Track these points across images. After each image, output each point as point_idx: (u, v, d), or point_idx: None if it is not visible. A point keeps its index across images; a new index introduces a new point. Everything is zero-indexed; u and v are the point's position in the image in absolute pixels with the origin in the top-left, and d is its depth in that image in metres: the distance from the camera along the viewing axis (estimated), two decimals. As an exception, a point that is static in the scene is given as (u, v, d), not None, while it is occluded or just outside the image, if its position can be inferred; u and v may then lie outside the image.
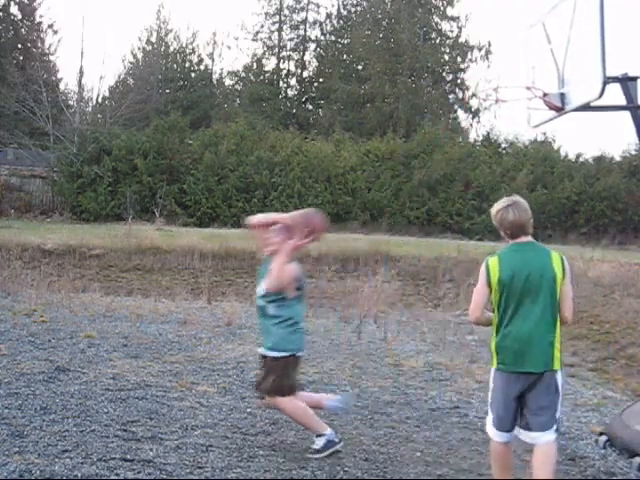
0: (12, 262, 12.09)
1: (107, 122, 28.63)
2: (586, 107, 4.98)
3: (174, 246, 14.52)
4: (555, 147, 28.86)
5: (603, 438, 4.71)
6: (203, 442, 4.44)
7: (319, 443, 4.28)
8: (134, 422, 4.74)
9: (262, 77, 39.07)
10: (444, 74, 37.94)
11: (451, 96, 38.11)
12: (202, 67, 40.63)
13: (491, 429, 3.72)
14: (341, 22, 40.19)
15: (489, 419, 3.74)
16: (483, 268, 3.68)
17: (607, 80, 4.59)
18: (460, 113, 38.35)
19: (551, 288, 3.55)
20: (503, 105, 37.77)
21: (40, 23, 35.04)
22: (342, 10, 40.13)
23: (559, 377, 3.61)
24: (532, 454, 3.65)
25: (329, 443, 4.30)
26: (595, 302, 10.85)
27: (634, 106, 4.87)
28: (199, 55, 40.47)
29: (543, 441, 3.56)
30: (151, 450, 4.23)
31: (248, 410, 5.18)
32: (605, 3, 4.59)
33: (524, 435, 3.64)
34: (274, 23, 39.69)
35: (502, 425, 3.66)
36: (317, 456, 4.24)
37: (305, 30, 39.84)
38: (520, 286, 3.55)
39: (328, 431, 4.32)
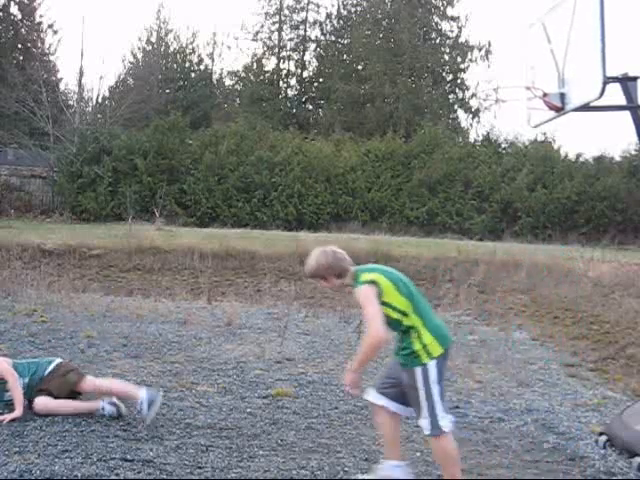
0: (12, 262, 12.10)
1: (107, 122, 28.64)
2: (586, 107, 4.97)
3: (174, 246, 14.52)
4: (555, 147, 28.84)
5: (603, 438, 4.71)
6: (203, 442, 4.44)
7: None
8: (134, 422, 4.74)
9: (262, 77, 39.07)
10: (444, 74, 37.94)
11: (451, 96, 38.11)
12: (202, 67, 40.63)
13: (448, 423, 3.66)
14: (341, 22, 40.17)
15: (443, 416, 3.64)
16: (371, 293, 3.63)
17: (607, 80, 4.59)
18: (460, 113, 38.38)
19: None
20: (503, 105, 37.80)
21: (40, 23, 35.02)
22: (342, 10, 40.12)
23: None
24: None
25: None
26: (595, 302, 10.85)
27: (634, 106, 4.87)
28: (199, 55, 40.51)
29: None
30: (151, 450, 4.23)
31: (248, 410, 5.18)
32: (605, 3, 4.59)
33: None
34: (274, 23, 39.70)
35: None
36: None
37: (305, 30, 39.85)
38: (411, 289, 3.74)
39: None
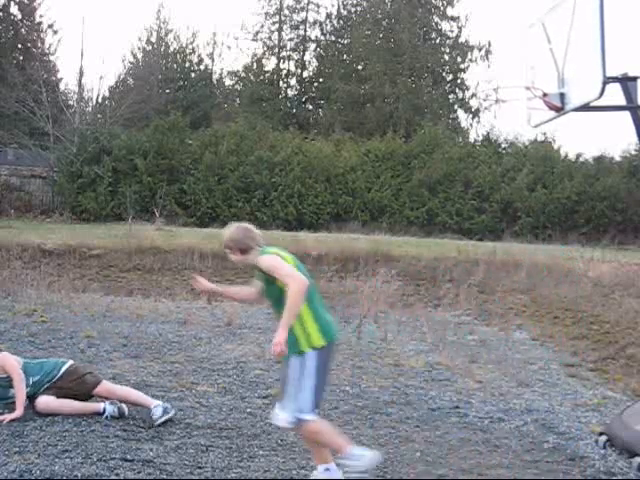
0: (12, 262, 12.09)
1: (107, 122, 28.62)
2: (586, 107, 4.97)
3: (174, 246, 14.51)
4: (555, 147, 28.82)
5: (603, 438, 4.71)
6: (203, 442, 4.44)
7: None
8: (134, 422, 4.74)
9: (262, 77, 39.05)
10: (444, 74, 37.92)
11: (451, 96, 38.11)
12: (202, 67, 40.61)
13: (313, 414, 3.66)
14: (341, 22, 40.15)
15: (310, 404, 3.63)
16: (279, 259, 3.74)
17: (607, 80, 4.59)
18: (460, 113, 38.37)
19: None
20: (503, 105, 37.78)
21: (40, 23, 34.99)
22: (342, 10, 40.10)
23: None
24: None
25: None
26: (595, 302, 10.84)
27: (634, 106, 4.87)
28: (199, 55, 40.47)
29: None
30: (151, 450, 4.23)
31: (248, 410, 5.18)
32: (605, 3, 4.59)
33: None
34: (274, 23, 39.68)
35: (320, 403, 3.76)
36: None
37: (305, 30, 39.83)
38: (308, 276, 3.77)
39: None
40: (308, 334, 3.66)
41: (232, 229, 3.93)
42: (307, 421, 3.64)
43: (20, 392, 4.68)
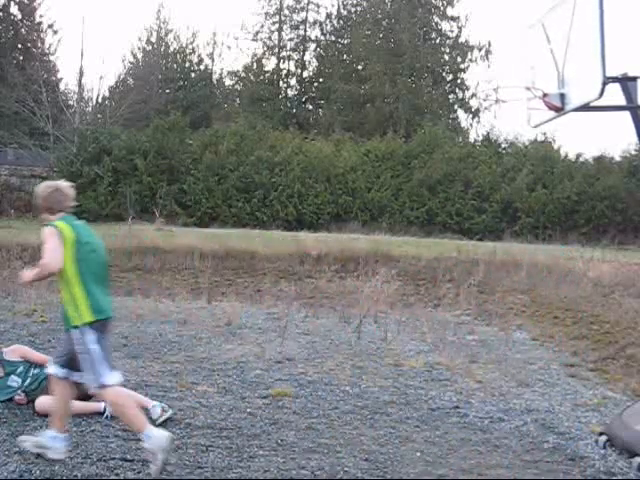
0: (12, 262, 12.07)
1: (107, 122, 28.66)
2: (586, 107, 4.97)
3: (174, 246, 14.51)
4: (555, 147, 28.86)
5: (603, 438, 4.71)
6: (203, 442, 4.44)
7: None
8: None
9: (262, 77, 39.07)
10: (444, 74, 37.94)
11: (451, 96, 38.11)
12: (202, 67, 40.65)
13: (111, 375, 3.95)
14: (341, 22, 40.17)
15: (106, 374, 3.92)
16: (54, 234, 3.91)
17: (607, 80, 4.59)
18: (460, 113, 38.38)
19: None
20: (503, 105, 37.81)
21: (40, 23, 35.03)
22: (342, 10, 40.13)
23: None
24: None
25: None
26: (595, 302, 10.84)
27: (634, 106, 4.87)
28: (199, 55, 40.53)
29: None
30: (151, 450, 4.23)
31: (248, 410, 5.18)
32: (605, 3, 4.59)
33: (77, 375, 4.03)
34: (274, 23, 39.70)
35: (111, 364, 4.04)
36: None
37: (305, 30, 39.85)
38: (97, 259, 4.05)
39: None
40: (80, 311, 3.91)
41: (42, 186, 4.09)
42: (109, 385, 3.93)
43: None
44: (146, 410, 4.80)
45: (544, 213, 25.39)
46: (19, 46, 34.71)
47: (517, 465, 4.35)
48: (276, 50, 39.82)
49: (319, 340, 7.99)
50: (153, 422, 4.70)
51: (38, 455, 4.02)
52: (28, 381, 4.97)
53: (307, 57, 40.42)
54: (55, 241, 3.88)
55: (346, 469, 4.12)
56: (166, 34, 40.39)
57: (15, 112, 27.96)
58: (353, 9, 40.33)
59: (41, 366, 5.03)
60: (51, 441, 3.98)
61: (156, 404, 4.84)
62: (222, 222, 24.23)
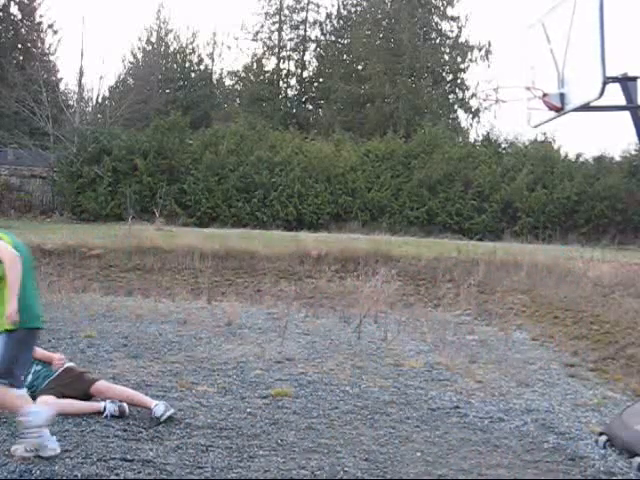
0: (12, 262, 12.07)
1: (107, 122, 28.63)
2: (586, 107, 4.98)
3: (174, 246, 14.51)
4: (555, 147, 28.82)
5: (603, 438, 4.71)
6: (203, 442, 4.44)
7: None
8: (134, 422, 4.74)
9: (262, 77, 39.05)
10: (444, 74, 37.92)
11: (451, 96, 38.10)
12: (202, 67, 40.63)
13: (12, 392, 4.11)
14: (341, 22, 40.16)
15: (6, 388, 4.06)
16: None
17: (607, 80, 4.59)
18: (460, 113, 38.37)
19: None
20: (503, 105, 37.80)
21: (40, 23, 35.01)
22: (342, 10, 40.11)
23: None
24: None
25: None
26: (595, 302, 10.84)
27: (634, 106, 4.87)
28: (199, 55, 40.50)
29: None
30: (151, 450, 4.23)
31: (248, 410, 5.18)
32: (605, 3, 4.60)
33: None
34: (274, 23, 39.68)
35: (21, 383, 4.28)
36: None
37: (305, 30, 39.83)
38: (25, 264, 4.21)
39: None
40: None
41: None
42: None
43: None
44: (148, 410, 4.81)
45: (544, 213, 25.38)
46: (19, 46, 34.70)
47: (517, 465, 4.35)
48: (276, 50, 39.81)
49: (319, 340, 7.99)
50: (158, 419, 4.71)
51: (38, 456, 4.02)
52: (30, 378, 4.95)
53: (307, 57, 40.45)
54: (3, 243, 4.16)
55: (346, 469, 4.12)
56: (166, 34, 40.38)
57: (15, 112, 27.94)
58: (353, 9, 40.32)
59: (44, 363, 5.03)
60: (32, 416, 4.08)
61: (158, 403, 4.84)
62: (222, 222, 24.22)
